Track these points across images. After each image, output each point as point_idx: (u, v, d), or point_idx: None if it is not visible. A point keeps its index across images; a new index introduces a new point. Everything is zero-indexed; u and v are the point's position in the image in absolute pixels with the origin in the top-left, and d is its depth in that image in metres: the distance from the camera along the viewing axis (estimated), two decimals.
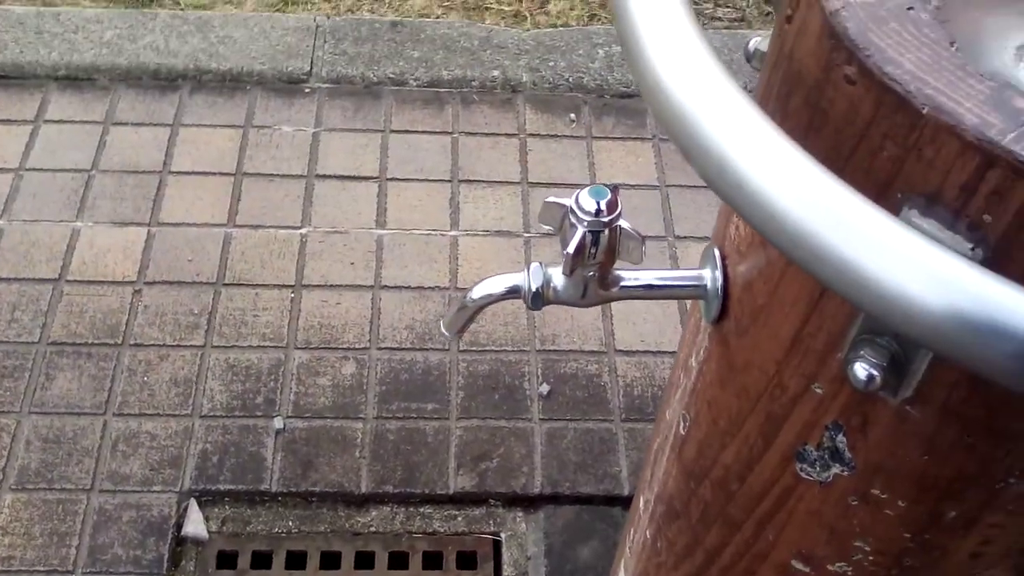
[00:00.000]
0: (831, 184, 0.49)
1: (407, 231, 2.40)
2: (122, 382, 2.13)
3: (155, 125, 2.60)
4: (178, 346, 2.19)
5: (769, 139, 0.52)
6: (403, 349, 2.21)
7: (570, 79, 2.73)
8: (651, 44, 0.57)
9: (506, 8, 2.98)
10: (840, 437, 0.70)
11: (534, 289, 0.79)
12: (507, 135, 2.61)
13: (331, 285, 2.29)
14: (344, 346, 2.19)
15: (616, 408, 2.13)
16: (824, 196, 0.49)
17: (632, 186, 2.48)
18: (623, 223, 0.75)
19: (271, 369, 2.16)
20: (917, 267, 0.48)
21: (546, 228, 0.81)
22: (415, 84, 2.71)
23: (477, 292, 0.85)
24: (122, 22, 2.82)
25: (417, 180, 2.51)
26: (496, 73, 2.72)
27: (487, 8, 2.99)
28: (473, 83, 2.72)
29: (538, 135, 2.61)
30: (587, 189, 0.76)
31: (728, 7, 3.01)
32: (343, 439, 2.07)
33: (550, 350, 2.21)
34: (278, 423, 2.08)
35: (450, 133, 2.62)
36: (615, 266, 0.79)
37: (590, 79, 2.71)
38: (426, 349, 2.20)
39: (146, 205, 2.42)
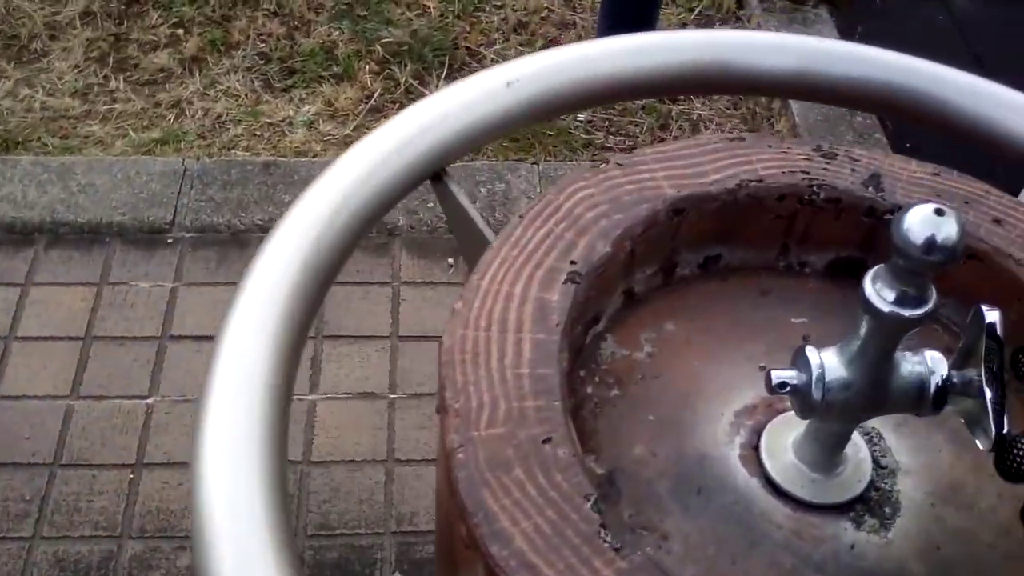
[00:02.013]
0: None
1: None
2: None
3: (5, 285, 2.42)
4: (4, 538, 1.99)
5: None
6: None
7: None
8: None
9: None
10: None
11: None
12: (380, 283, 2.45)
13: (173, 463, 2.09)
14: (181, 534, 1.99)
15: None
16: None
17: None
18: None
19: (101, 563, 1.95)
20: None
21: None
22: None
23: None
24: None
25: None
26: None
27: None
28: None
29: (413, 283, 2.45)
30: None
31: (620, 135, 2.89)
32: None
33: (407, 531, 2.01)
34: None
35: None
36: None
37: None
38: None
39: None
